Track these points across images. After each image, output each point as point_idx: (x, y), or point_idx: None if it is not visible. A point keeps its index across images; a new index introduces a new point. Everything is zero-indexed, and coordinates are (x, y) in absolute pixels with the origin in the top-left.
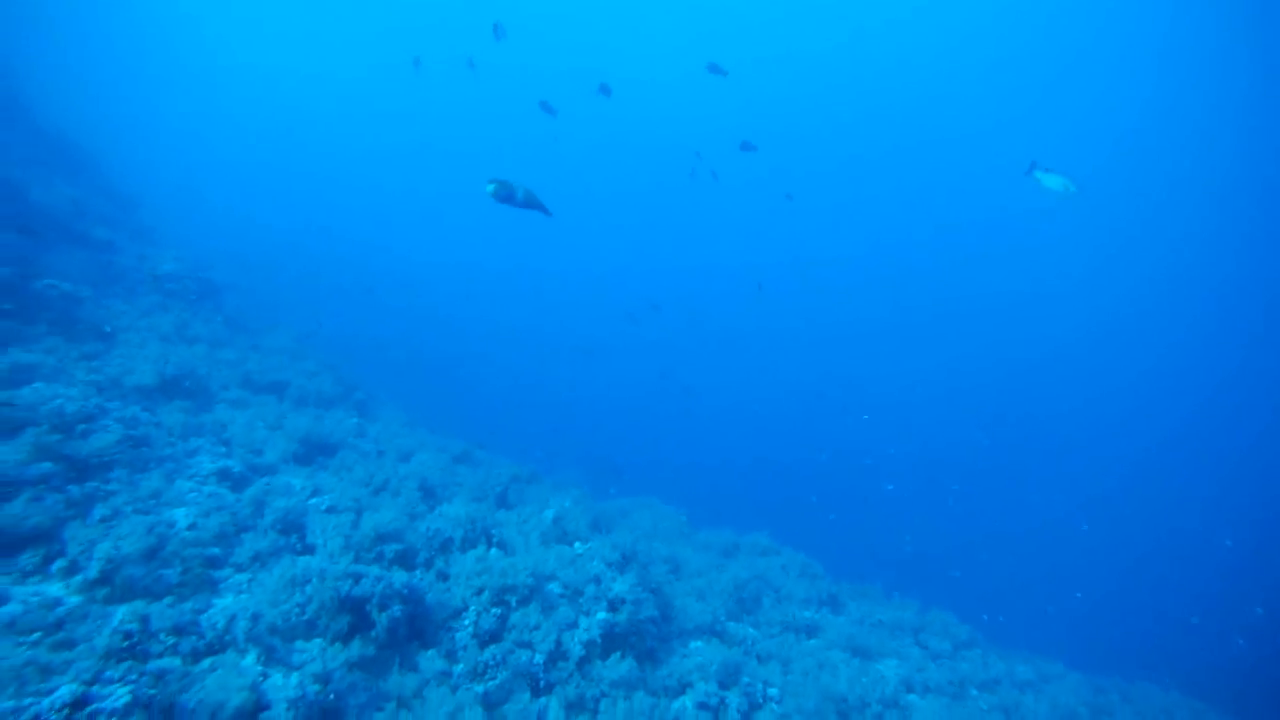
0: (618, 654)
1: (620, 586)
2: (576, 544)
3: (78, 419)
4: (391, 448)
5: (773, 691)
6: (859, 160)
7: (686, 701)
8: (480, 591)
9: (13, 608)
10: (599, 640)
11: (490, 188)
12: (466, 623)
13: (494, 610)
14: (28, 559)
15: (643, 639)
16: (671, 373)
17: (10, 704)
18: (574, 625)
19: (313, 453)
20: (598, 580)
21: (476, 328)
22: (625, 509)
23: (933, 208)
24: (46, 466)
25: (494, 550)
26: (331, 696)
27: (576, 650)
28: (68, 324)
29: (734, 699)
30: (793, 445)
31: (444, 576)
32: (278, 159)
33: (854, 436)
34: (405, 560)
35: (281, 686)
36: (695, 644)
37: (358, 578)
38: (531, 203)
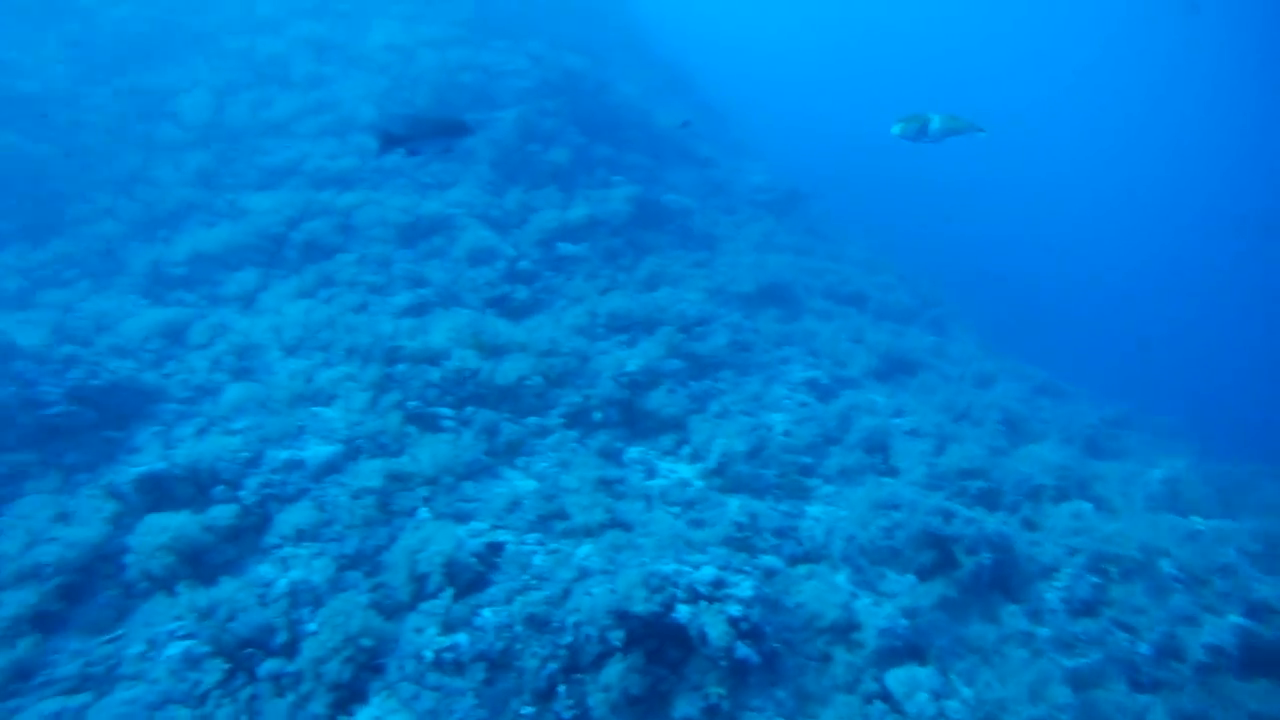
0: (1264, 681)
1: (1268, 590)
2: (1194, 518)
3: (695, 322)
4: (969, 371)
5: None
6: None
7: None
8: (1074, 553)
9: (660, 481)
10: (1233, 652)
11: (896, 129)
12: (1058, 585)
13: (1090, 578)
14: (665, 440)
15: None
16: None
17: (673, 566)
18: (1193, 620)
19: (892, 370)
20: (1228, 572)
21: (1049, 254)
22: (1247, 479)
23: None
24: (676, 364)
25: (1087, 505)
26: (917, 633)
27: (1196, 653)
28: (684, 233)
29: None
30: None
31: (1031, 526)
32: (849, 75)
33: None
34: (988, 500)
35: (872, 612)
36: None
37: (948, 515)
38: (954, 129)
